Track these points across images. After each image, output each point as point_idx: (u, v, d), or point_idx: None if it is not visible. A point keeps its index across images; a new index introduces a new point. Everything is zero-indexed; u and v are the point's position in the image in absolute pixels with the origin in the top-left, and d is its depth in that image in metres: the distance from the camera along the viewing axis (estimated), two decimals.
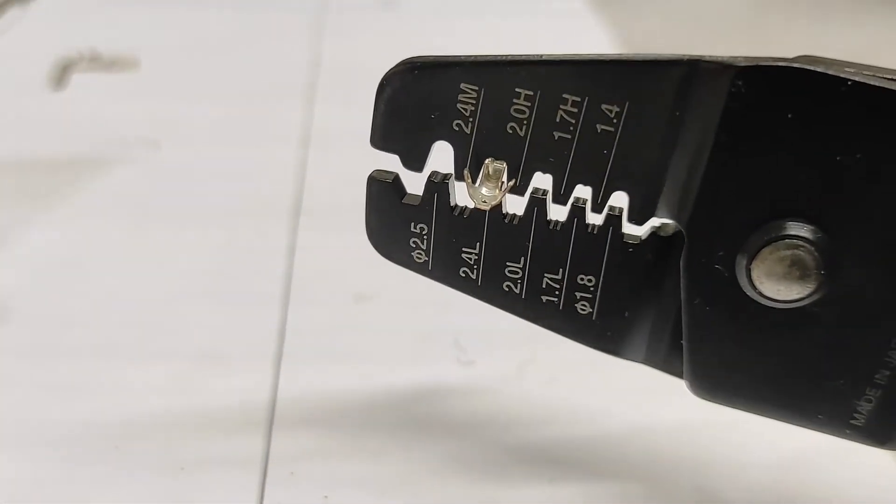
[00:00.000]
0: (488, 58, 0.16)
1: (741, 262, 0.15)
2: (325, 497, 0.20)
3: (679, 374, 0.18)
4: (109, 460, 0.21)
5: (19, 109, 0.38)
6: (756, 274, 0.15)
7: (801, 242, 0.15)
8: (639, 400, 0.23)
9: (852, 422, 0.17)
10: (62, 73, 0.40)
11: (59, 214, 0.31)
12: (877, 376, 0.16)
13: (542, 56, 0.16)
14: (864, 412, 0.16)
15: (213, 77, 0.43)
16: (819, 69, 0.14)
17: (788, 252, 0.15)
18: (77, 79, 0.41)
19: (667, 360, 0.18)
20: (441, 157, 0.17)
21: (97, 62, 0.41)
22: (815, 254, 0.15)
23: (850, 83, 0.14)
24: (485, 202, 0.16)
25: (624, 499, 0.21)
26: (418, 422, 0.22)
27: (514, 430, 0.22)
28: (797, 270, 0.15)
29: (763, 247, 0.15)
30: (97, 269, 0.28)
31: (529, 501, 0.20)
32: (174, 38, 0.47)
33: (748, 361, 0.17)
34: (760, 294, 0.16)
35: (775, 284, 0.15)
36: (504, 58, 0.16)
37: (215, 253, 0.29)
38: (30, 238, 0.29)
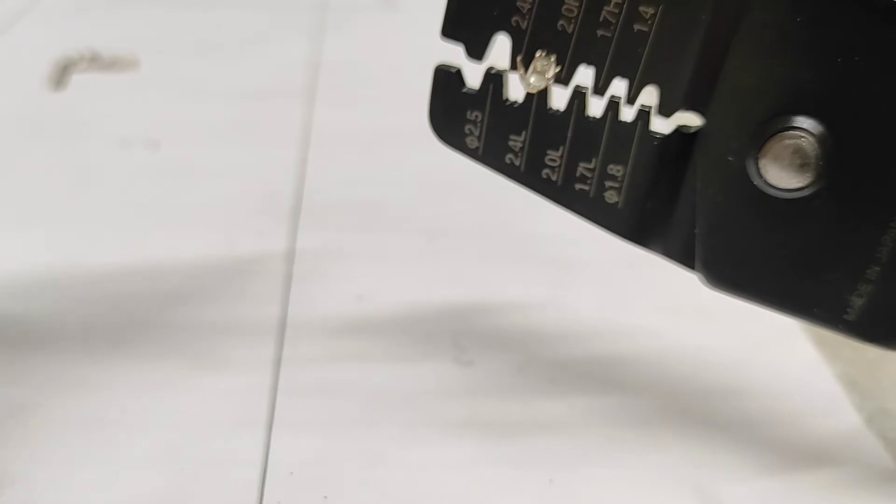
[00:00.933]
0: None
1: (751, 151, 0.18)
2: (325, 497, 0.20)
3: (694, 267, 0.20)
4: (108, 460, 0.21)
5: (19, 109, 0.39)
6: (762, 162, 0.18)
7: (803, 134, 0.17)
8: (638, 400, 0.24)
9: (845, 317, 0.18)
10: (62, 73, 0.40)
11: (59, 214, 0.31)
12: (868, 272, 0.18)
13: None
14: (855, 307, 0.18)
15: (213, 77, 0.43)
16: None
17: (792, 142, 0.17)
18: (77, 79, 0.41)
19: (683, 254, 0.20)
20: (499, 55, 0.20)
21: (97, 62, 0.40)
22: (816, 145, 0.17)
23: None
24: (532, 88, 0.19)
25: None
26: (417, 421, 0.23)
27: (513, 430, 0.23)
28: (798, 159, 0.17)
29: (770, 136, 0.17)
30: (93, 269, 0.28)
31: (528, 503, 0.21)
32: (174, 39, 0.47)
33: (753, 252, 0.19)
34: (766, 182, 0.18)
35: (779, 172, 0.17)
36: None
37: (215, 253, 0.29)
38: (29, 238, 0.30)
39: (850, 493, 0.21)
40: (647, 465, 0.22)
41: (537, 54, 0.19)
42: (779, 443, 0.23)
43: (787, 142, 0.17)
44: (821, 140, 0.17)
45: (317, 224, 0.31)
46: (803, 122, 0.17)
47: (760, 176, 0.18)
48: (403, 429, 0.22)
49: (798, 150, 0.17)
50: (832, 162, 0.17)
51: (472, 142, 0.20)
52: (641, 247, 0.20)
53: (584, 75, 0.19)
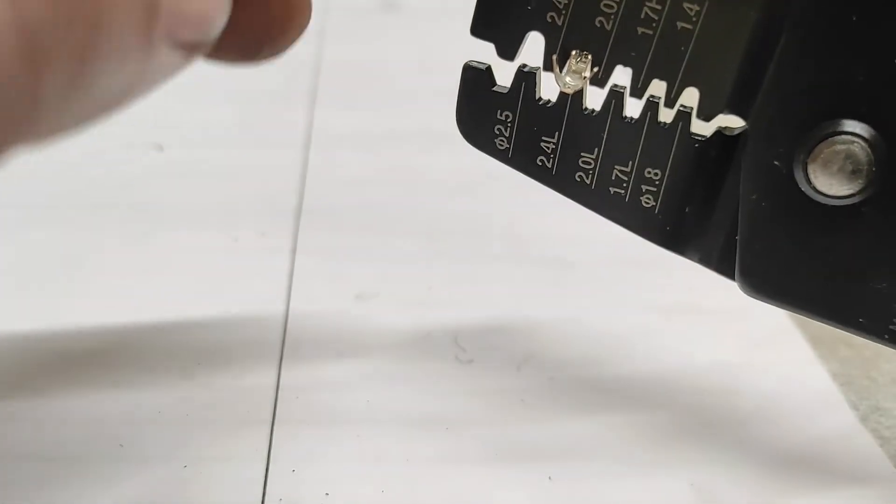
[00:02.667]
0: None
1: (799, 156, 0.17)
2: (327, 494, 0.20)
3: (731, 276, 0.19)
4: (112, 458, 0.21)
5: None
6: (812, 168, 0.17)
7: (855, 139, 0.16)
8: (635, 398, 0.24)
9: (892, 327, 0.18)
10: None
11: (62, 215, 0.31)
12: None
13: None
14: None
15: (215, 79, 0.42)
16: None
17: (843, 147, 0.17)
18: None
19: (721, 261, 0.19)
20: (530, 53, 0.19)
21: None
22: (868, 150, 0.16)
23: None
24: (568, 87, 0.18)
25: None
26: (417, 419, 0.23)
27: (513, 428, 0.23)
28: (850, 164, 0.17)
29: (820, 141, 0.17)
30: (99, 269, 0.28)
31: (527, 500, 0.21)
32: None
33: (797, 259, 0.18)
34: (814, 189, 0.17)
35: (829, 178, 0.17)
36: None
37: (217, 253, 0.30)
38: (33, 237, 0.30)
39: (845, 490, 0.22)
40: (644, 462, 0.22)
41: (573, 53, 0.18)
42: (774, 441, 0.23)
43: (839, 147, 0.17)
44: (873, 145, 0.16)
45: (318, 224, 0.31)
46: (855, 126, 0.16)
47: (809, 182, 0.17)
48: (404, 426, 0.23)
49: (850, 156, 0.16)
50: (884, 168, 0.17)
51: (501, 143, 0.19)
52: (677, 253, 0.19)
53: (622, 75, 0.18)
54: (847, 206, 0.17)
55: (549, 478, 0.21)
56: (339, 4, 0.53)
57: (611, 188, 0.19)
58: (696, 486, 0.21)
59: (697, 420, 0.23)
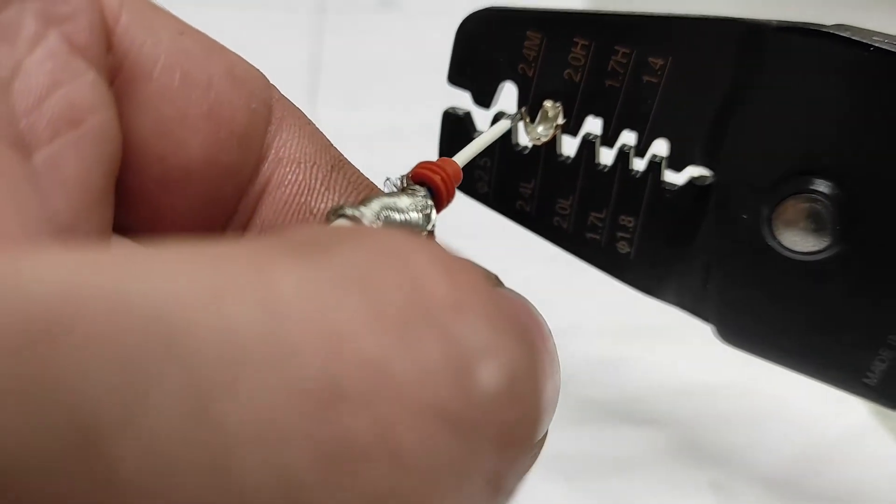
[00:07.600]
0: (552, 10, 0.18)
1: (764, 211, 0.17)
2: None
3: (708, 319, 0.19)
4: None
5: None
6: (776, 224, 0.17)
7: (819, 197, 0.16)
8: (647, 397, 0.24)
9: (864, 380, 0.18)
10: None
11: None
12: (891, 337, 0.17)
13: (599, 10, 0.17)
14: (876, 372, 0.17)
15: None
16: (846, 34, 0.15)
17: (806, 205, 0.16)
18: None
19: (697, 305, 0.19)
20: (507, 101, 0.19)
21: None
22: (832, 209, 0.16)
23: (872, 49, 0.15)
24: (538, 139, 0.18)
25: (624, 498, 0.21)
26: None
27: None
28: (813, 223, 0.16)
29: (784, 198, 0.16)
30: None
31: (545, 500, 0.21)
32: None
33: (769, 311, 0.18)
34: (780, 244, 0.17)
35: (792, 235, 0.17)
36: (566, 11, 0.18)
37: None
38: None
39: (861, 486, 0.22)
40: (662, 460, 0.22)
41: (545, 104, 0.18)
42: (790, 437, 0.23)
43: (802, 205, 0.16)
44: (837, 203, 0.16)
45: None
46: (819, 184, 0.16)
47: (774, 237, 0.17)
48: None
49: (812, 215, 0.16)
50: (849, 225, 0.16)
51: (482, 187, 0.20)
52: (653, 297, 0.19)
53: (593, 125, 0.18)
54: (815, 261, 0.17)
55: (567, 478, 0.21)
56: (338, 4, 0.53)
57: (587, 234, 0.19)
58: (715, 485, 0.21)
59: (712, 418, 0.23)
